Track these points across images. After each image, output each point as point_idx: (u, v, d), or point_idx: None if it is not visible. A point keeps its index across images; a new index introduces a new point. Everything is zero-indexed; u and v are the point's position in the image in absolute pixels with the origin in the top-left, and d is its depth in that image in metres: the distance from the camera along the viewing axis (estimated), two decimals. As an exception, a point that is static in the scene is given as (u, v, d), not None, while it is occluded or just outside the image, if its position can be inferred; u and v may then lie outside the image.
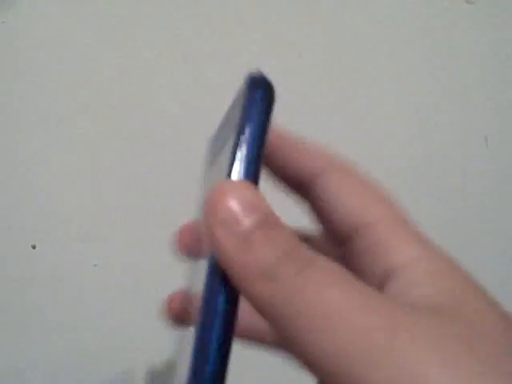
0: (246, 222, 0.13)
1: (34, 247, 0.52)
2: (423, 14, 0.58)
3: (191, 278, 0.21)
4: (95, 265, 0.52)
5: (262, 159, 0.15)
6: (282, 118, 0.59)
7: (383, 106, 0.57)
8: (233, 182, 0.14)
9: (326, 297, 0.12)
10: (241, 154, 0.15)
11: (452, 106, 0.58)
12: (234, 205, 0.13)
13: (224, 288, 0.13)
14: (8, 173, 0.52)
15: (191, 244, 0.21)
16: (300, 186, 0.20)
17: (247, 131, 0.16)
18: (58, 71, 0.53)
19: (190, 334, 0.19)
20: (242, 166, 0.15)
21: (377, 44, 0.57)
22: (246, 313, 0.15)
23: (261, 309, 0.13)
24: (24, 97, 0.53)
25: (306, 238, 0.21)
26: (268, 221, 0.14)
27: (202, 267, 0.16)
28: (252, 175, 0.15)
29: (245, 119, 0.16)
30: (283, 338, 0.13)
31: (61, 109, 0.53)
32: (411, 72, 0.58)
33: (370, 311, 0.12)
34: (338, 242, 0.19)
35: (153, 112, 0.54)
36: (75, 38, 0.54)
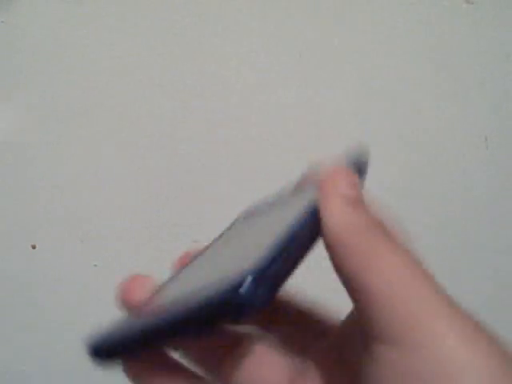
0: (353, 192, 0.17)
1: (33, 247, 0.52)
2: (423, 14, 0.58)
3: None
4: (95, 265, 0.52)
5: None
6: (282, 118, 0.59)
7: (383, 105, 0.57)
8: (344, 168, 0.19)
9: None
10: None
11: (452, 107, 0.58)
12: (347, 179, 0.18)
13: (315, 227, 0.17)
14: (8, 173, 0.52)
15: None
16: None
17: None
18: (57, 71, 0.53)
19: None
20: None
21: (377, 44, 0.57)
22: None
23: (344, 254, 0.16)
24: (23, 96, 0.53)
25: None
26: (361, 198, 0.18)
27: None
28: None
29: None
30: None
31: (61, 108, 0.53)
32: (411, 72, 0.58)
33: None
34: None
35: (153, 112, 0.54)
36: (75, 38, 0.54)
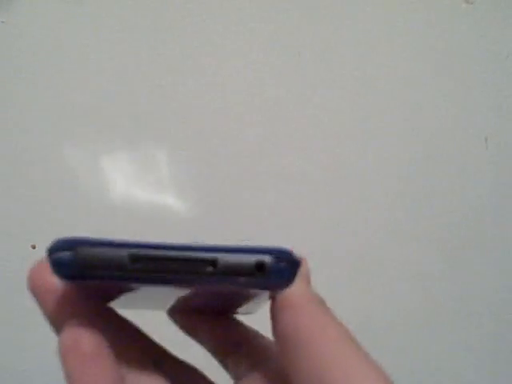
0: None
1: (33, 247, 0.52)
2: (423, 14, 0.58)
3: None
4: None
5: None
6: (283, 118, 0.59)
7: (383, 106, 0.57)
8: None
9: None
10: None
11: (452, 107, 0.58)
12: None
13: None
14: (8, 173, 0.52)
15: None
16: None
17: None
18: (57, 71, 0.53)
19: None
20: None
21: (377, 44, 0.57)
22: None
23: (299, 314, 0.17)
24: (24, 96, 0.53)
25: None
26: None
27: None
28: None
29: None
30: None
31: (61, 108, 0.53)
32: (411, 72, 0.58)
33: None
34: None
35: (153, 112, 0.54)
36: (75, 38, 0.54)
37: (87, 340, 0.17)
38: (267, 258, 0.16)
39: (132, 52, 0.54)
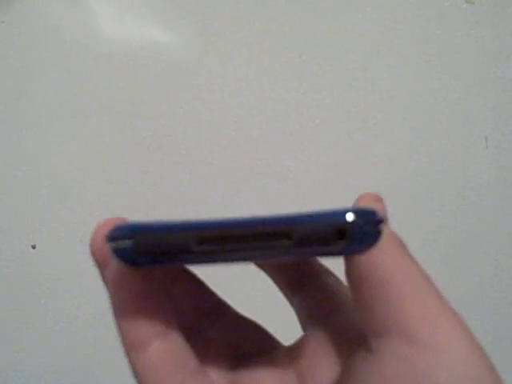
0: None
1: (33, 247, 0.52)
2: (423, 14, 0.58)
3: None
4: (95, 265, 0.52)
5: None
6: (283, 118, 0.59)
7: (383, 106, 0.57)
8: None
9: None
10: None
11: (452, 107, 0.58)
12: None
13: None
14: (8, 173, 0.52)
15: None
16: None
17: None
18: (57, 71, 0.53)
19: None
20: None
21: (377, 44, 0.57)
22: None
23: (379, 258, 0.16)
24: (23, 97, 0.53)
25: None
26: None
27: None
28: None
29: None
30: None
31: (61, 108, 0.53)
32: (411, 72, 0.58)
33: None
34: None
35: (153, 112, 0.54)
36: (75, 38, 0.54)
37: (157, 344, 0.17)
38: (348, 223, 0.14)
39: (132, 51, 0.54)
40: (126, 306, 0.17)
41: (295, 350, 0.20)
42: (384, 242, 0.16)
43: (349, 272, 0.17)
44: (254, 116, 0.55)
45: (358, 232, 0.15)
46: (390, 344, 0.16)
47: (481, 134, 0.58)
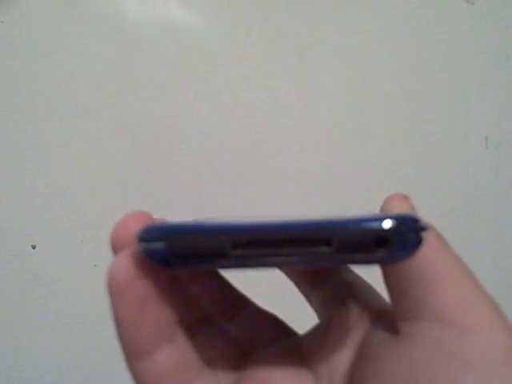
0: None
1: (33, 247, 0.52)
2: (423, 13, 0.58)
3: None
4: (95, 265, 0.52)
5: None
6: (282, 118, 0.59)
7: (383, 106, 0.57)
8: None
9: None
10: None
11: (452, 107, 0.58)
12: None
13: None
14: (8, 173, 0.52)
15: None
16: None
17: None
18: (57, 71, 0.53)
19: None
20: None
21: (377, 44, 0.57)
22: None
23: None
24: (24, 96, 0.53)
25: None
26: None
27: None
28: None
29: None
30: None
31: (61, 108, 0.53)
32: (411, 72, 0.58)
33: None
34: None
35: (154, 113, 0.54)
36: (75, 38, 0.54)
37: (142, 281, 0.15)
38: (390, 231, 0.14)
39: (132, 51, 0.54)
40: (130, 311, 0.15)
41: (309, 337, 0.20)
42: None
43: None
44: (254, 115, 0.55)
45: (400, 240, 0.14)
46: (422, 327, 0.16)
47: (481, 134, 0.58)
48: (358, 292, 0.20)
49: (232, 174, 0.55)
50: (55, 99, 0.53)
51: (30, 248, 0.52)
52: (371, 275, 0.20)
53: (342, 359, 0.18)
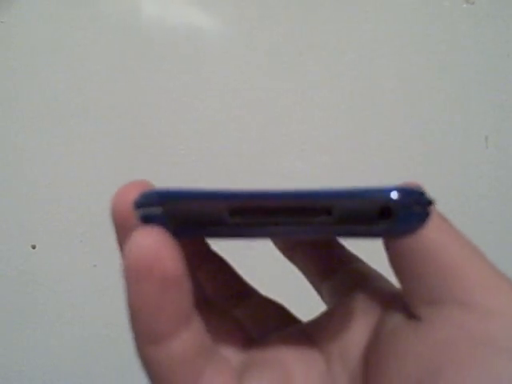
0: None
1: (33, 247, 0.52)
2: (423, 14, 0.58)
3: None
4: (95, 265, 0.52)
5: None
6: (283, 118, 0.59)
7: (383, 106, 0.57)
8: None
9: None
10: None
11: (452, 106, 0.58)
12: None
13: None
14: (8, 173, 0.52)
15: None
16: None
17: None
18: (57, 71, 0.53)
19: None
20: None
21: (377, 44, 0.57)
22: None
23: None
24: (23, 96, 0.53)
25: None
26: None
27: None
28: None
29: None
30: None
31: (61, 108, 0.53)
32: (411, 72, 0.58)
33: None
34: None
35: (153, 113, 0.54)
36: (75, 38, 0.54)
37: (169, 260, 0.14)
38: (394, 201, 0.13)
39: (132, 51, 0.54)
40: (151, 295, 0.14)
41: (317, 322, 0.20)
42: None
43: (392, 246, 0.17)
44: (254, 116, 0.55)
45: (404, 212, 0.13)
46: (443, 311, 0.15)
47: (481, 134, 0.58)
48: (369, 280, 0.20)
49: (232, 174, 0.55)
50: (55, 99, 0.53)
51: (30, 248, 0.52)
52: (381, 266, 0.20)
53: (355, 340, 0.18)
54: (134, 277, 0.14)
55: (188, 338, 0.15)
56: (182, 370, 0.15)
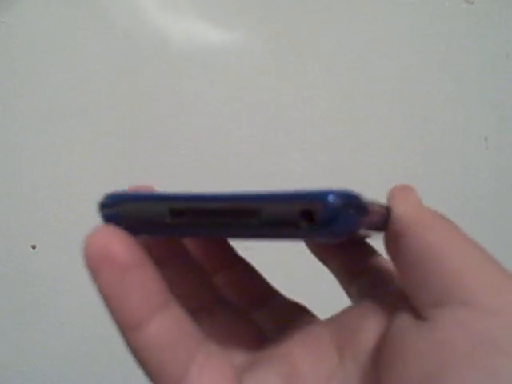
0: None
1: (33, 247, 0.52)
2: (423, 14, 0.58)
3: None
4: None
5: None
6: (282, 118, 0.59)
7: (383, 106, 0.57)
8: None
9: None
10: None
11: (452, 107, 0.58)
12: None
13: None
14: (8, 173, 0.52)
15: None
16: None
17: None
18: (57, 71, 0.53)
19: None
20: None
21: (377, 44, 0.57)
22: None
23: (425, 229, 0.17)
24: (23, 96, 0.53)
25: None
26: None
27: None
28: None
29: None
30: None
31: (61, 108, 0.53)
32: (411, 72, 0.58)
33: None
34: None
35: (153, 113, 0.54)
36: (75, 38, 0.54)
37: (119, 250, 0.15)
38: (316, 204, 0.13)
39: (132, 51, 0.54)
40: (115, 282, 0.15)
41: (334, 319, 0.20)
42: (428, 218, 0.17)
43: (393, 249, 0.17)
44: (254, 115, 0.55)
45: (325, 215, 0.13)
46: (446, 312, 0.15)
47: (481, 134, 0.58)
48: (385, 280, 0.20)
49: (232, 173, 0.55)
50: (55, 99, 0.53)
51: (30, 248, 0.52)
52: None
53: (367, 338, 0.18)
54: (93, 269, 0.15)
55: (165, 322, 0.16)
56: (168, 354, 0.15)
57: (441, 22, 0.58)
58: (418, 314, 0.17)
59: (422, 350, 0.15)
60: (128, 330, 0.16)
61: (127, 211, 0.16)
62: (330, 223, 0.13)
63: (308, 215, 0.13)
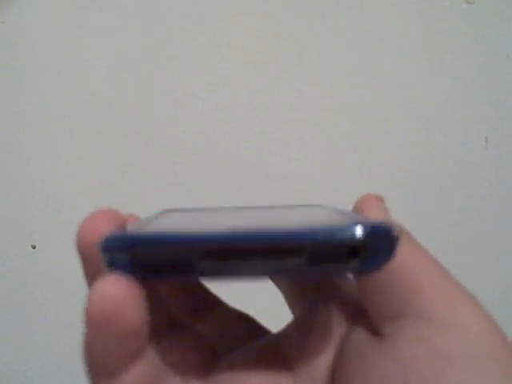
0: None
1: (33, 247, 0.52)
2: (423, 14, 0.58)
3: None
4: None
5: None
6: (282, 118, 0.59)
7: (383, 106, 0.57)
8: None
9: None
10: None
11: (452, 107, 0.58)
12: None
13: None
14: (8, 173, 0.52)
15: None
16: None
17: None
18: (57, 71, 0.53)
19: None
20: None
21: (377, 44, 0.57)
22: None
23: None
24: (23, 96, 0.53)
25: None
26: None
27: None
28: None
29: None
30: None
31: (61, 108, 0.53)
32: (411, 72, 0.58)
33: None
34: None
35: (154, 113, 0.54)
36: (75, 38, 0.54)
37: (131, 314, 0.13)
38: (361, 241, 0.13)
39: (132, 51, 0.54)
40: (106, 340, 0.14)
41: (285, 335, 0.19)
42: None
43: None
44: (254, 115, 0.55)
45: (372, 251, 0.13)
46: (405, 327, 0.15)
47: (481, 134, 0.58)
48: (337, 287, 0.20)
49: (232, 174, 0.55)
50: (55, 99, 0.53)
51: (30, 248, 0.52)
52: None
53: (323, 359, 0.17)
54: (94, 326, 0.14)
55: (140, 370, 0.15)
56: None
57: (441, 21, 0.58)
58: (374, 330, 0.16)
59: (385, 369, 0.15)
60: (102, 377, 0.14)
61: (141, 259, 0.13)
62: (376, 258, 0.14)
63: (356, 252, 0.13)
